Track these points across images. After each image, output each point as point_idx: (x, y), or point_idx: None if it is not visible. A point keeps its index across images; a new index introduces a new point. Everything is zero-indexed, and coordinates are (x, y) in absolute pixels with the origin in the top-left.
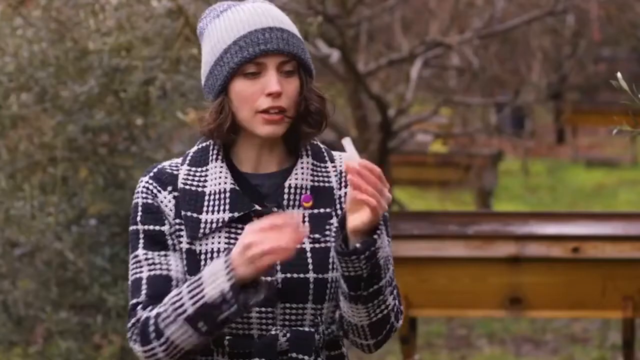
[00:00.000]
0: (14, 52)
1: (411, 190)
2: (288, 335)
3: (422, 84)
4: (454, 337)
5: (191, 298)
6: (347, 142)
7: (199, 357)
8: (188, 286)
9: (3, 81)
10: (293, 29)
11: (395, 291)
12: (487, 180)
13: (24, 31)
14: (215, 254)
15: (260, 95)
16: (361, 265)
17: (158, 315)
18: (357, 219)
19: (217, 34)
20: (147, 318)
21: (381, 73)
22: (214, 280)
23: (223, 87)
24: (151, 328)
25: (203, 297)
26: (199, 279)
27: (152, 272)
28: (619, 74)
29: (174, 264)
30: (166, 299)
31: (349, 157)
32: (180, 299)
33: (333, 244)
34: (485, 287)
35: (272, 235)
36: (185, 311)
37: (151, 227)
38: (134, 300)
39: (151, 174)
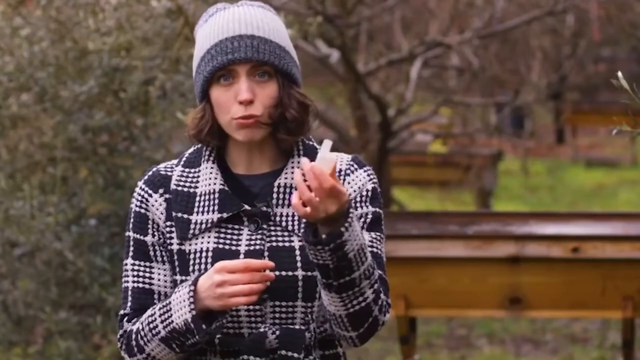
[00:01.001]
0: (14, 52)
1: (411, 190)
2: (277, 332)
3: (422, 84)
4: (453, 337)
5: (162, 322)
6: (325, 144)
7: (194, 357)
8: (160, 309)
9: (3, 81)
10: (271, 33)
11: (377, 285)
12: (487, 180)
13: (24, 31)
14: (204, 253)
15: (233, 102)
16: (326, 255)
17: (137, 331)
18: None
19: (199, 40)
20: (131, 332)
21: (381, 73)
22: (180, 308)
23: (203, 93)
24: (133, 343)
25: (171, 322)
26: (168, 303)
27: (136, 284)
28: (619, 74)
29: (157, 277)
30: (143, 317)
31: (321, 157)
32: (154, 320)
33: (302, 225)
34: (485, 287)
35: (244, 278)
36: (159, 332)
37: (138, 236)
38: (122, 312)
39: (145, 177)
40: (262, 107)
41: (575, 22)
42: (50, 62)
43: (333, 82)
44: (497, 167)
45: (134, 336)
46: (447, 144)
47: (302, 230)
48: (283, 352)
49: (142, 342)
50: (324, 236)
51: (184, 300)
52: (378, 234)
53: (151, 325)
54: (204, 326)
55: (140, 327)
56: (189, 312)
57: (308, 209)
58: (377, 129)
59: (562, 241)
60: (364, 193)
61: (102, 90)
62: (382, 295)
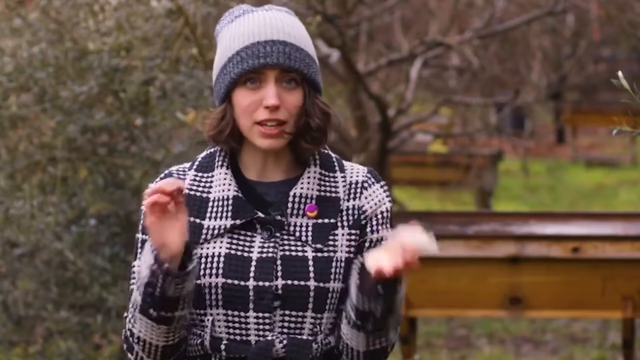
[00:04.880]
0: (13, 52)
1: (411, 190)
2: (285, 341)
3: (422, 84)
4: (453, 337)
5: (137, 289)
6: (432, 247)
7: None
8: (134, 283)
9: (2, 81)
10: (301, 41)
11: (399, 327)
12: (487, 180)
13: (23, 32)
14: (215, 258)
15: (258, 106)
16: (377, 306)
17: (127, 319)
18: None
19: (226, 41)
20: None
21: (381, 73)
22: (145, 262)
23: (226, 95)
24: (128, 333)
25: (143, 281)
26: (139, 269)
27: None
28: (619, 73)
29: None
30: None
31: (423, 244)
32: (132, 296)
33: (355, 275)
34: (485, 287)
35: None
36: (137, 304)
37: (145, 237)
38: (125, 314)
39: (158, 179)
40: (288, 114)
41: (575, 22)
42: (50, 62)
43: (333, 82)
44: (497, 167)
45: (126, 326)
46: (447, 144)
47: (355, 281)
48: None
49: (130, 326)
50: (380, 290)
51: (148, 253)
52: None
53: (132, 303)
54: (166, 265)
55: (129, 312)
56: (151, 253)
57: (391, 269)
58: (377, 129)
59: (562, 241)
60: (385, 214)
61: (102, 90)
62: (397, 334)
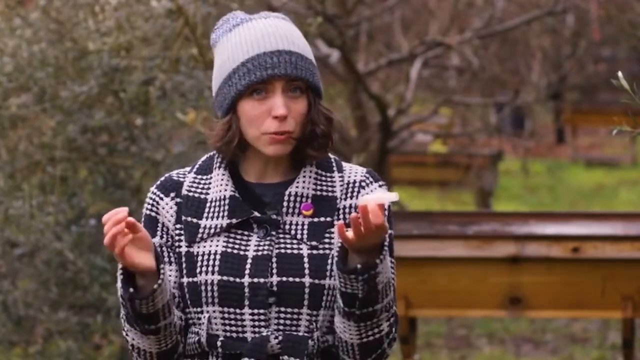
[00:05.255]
0: (13, 52)
1: (411, 190)
2: (280, 337)
3: (422, 84)
4: (453, 337)
5: (121, 302)
6: (392, 196)
7: None
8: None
9: (2, 81)
10: (302, 48)
11: (392, 318)
12: (486, 180)
13: (22, 31)
14: (212, 256)
15: (267, 117)
16: (358, 285)
17: (122, 326)
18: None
19: (227, 51)
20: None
21: (381, 73)
22: (118, 283)
23: (231, 106)
24: (126, 339)
25: (120, 300)
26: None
27: None
28: (619, 73)
29: None
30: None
31: (376, 197)
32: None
33: (335, 253)
34: (485, 287)
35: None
36: (124, 316)
37: None
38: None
39: (158, 182)
40: (295, 123)
41: (575, 22)
42: (50, 62)
43: (333, 82)
44: (497, 167)
45: (123, 332)
46: (447, 144)
47: (334, 259)
48: (285, 357)
49: (125, 334)
50: (358, 266)
51: (118, 276)
52: (393, 261)
53: (122, 313)
54: (130, 289)
55: (122, 319)
56: (119, 275)
57: (351, 234)
58: (377, 129)
59: (562, 241)
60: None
61: (102, 90)
62: (394, 329)
